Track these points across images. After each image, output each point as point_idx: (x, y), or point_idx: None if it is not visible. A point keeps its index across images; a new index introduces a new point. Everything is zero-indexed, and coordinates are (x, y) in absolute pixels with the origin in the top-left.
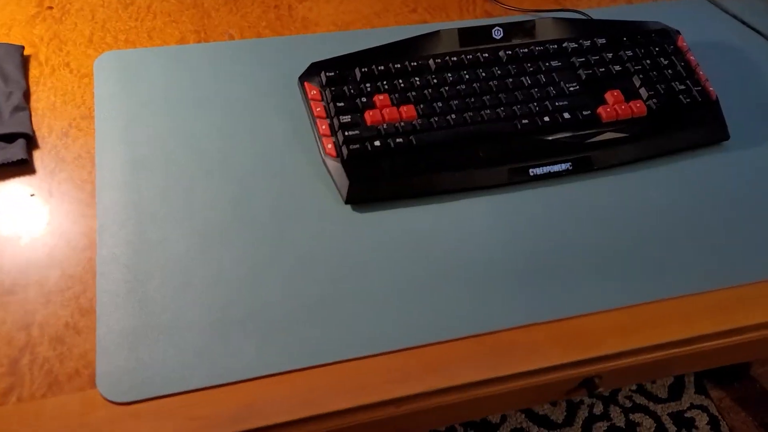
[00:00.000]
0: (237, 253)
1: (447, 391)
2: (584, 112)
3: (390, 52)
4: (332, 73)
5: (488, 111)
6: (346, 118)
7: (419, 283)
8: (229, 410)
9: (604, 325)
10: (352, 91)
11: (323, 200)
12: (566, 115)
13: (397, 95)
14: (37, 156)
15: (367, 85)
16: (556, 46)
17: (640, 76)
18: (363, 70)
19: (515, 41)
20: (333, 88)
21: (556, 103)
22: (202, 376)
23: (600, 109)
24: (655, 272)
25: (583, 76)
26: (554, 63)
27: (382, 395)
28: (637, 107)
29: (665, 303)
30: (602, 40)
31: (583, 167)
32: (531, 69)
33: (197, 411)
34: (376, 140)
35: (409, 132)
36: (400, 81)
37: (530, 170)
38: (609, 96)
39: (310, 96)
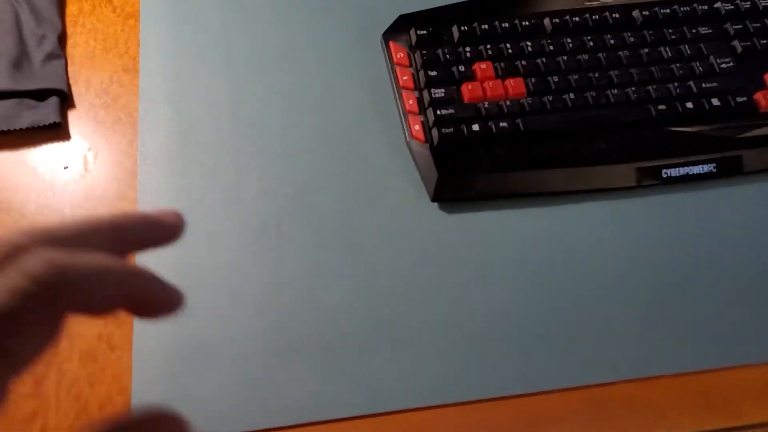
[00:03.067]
0: (297, 258)
1: None
2: (738, 99)
3: (496, 6)
4: (425, 31)
5: (615, 91)
6: (439, 92)
7: (516, 312)
8: None
9: (753, 385)
10: (447, 56)
11: (404, 196)
12: (714, 102)
13: (502, 64)
14: (72, 118)
15: (467, 48)
16: (706, 7)
17: None
18: (463, 28)
19: None
20: (424, 51)
21: (703, 85)
22: (252, 417)
23: (758, 95)
24: None
25: (739, 50)
26: (703, 30)
27: None
28: None
29: None
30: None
31: (731, 170)
32: (673, 37)
33: None
34: (474, 123)
35: (515, 114)
36: (508, 45)
37: (663, 171)
38: None
39: (395, 59)
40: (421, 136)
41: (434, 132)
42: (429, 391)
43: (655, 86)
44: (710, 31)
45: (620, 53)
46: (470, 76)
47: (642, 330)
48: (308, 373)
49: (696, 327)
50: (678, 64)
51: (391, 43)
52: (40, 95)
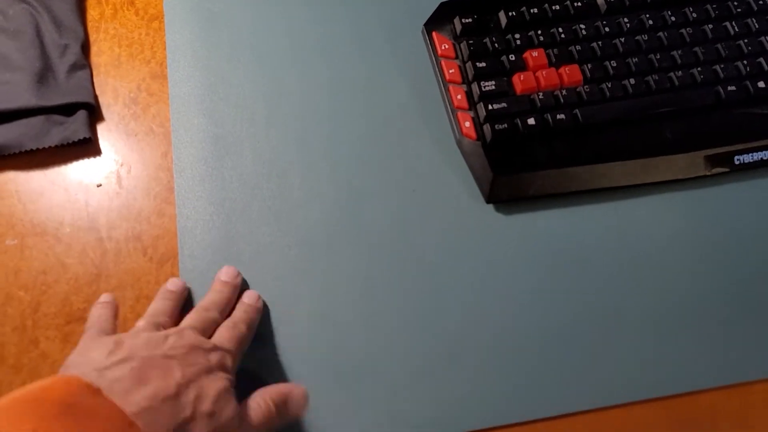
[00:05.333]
0: (347, 272)
1: None
2: None
3: None
4: (470, 19)
5: (679, 73)
6: (490, 85)
7: (586, 319)
8: None
9: None
10: (496, 44)
11: (457, 199)
12: None
13: (555, 50)
14: (102, 131)
15: (516, 35)
16: None
17: None
18: (510, 13)
19: None
20: (471, 41)
21: None
22: None
23: None
24: None
25: None
26: None
27: None
28: None
29: None
30: None
31: None
32: (739, 10)
33: None
34: (529, 116)
35: (573, 104)
36: (560, 29)
37: (736, 157)
38: None
39: (440, 51)
40: (473, 133)
41: (486, 128)
42: (492, 412)
43: (722, 65)
44: None
45: (683, 31)
46: (522, 66)
47: (723, 333)
48: (367, 399)
49: None
50: (746, 40)
51: (434, 34)
52: (68, 109)
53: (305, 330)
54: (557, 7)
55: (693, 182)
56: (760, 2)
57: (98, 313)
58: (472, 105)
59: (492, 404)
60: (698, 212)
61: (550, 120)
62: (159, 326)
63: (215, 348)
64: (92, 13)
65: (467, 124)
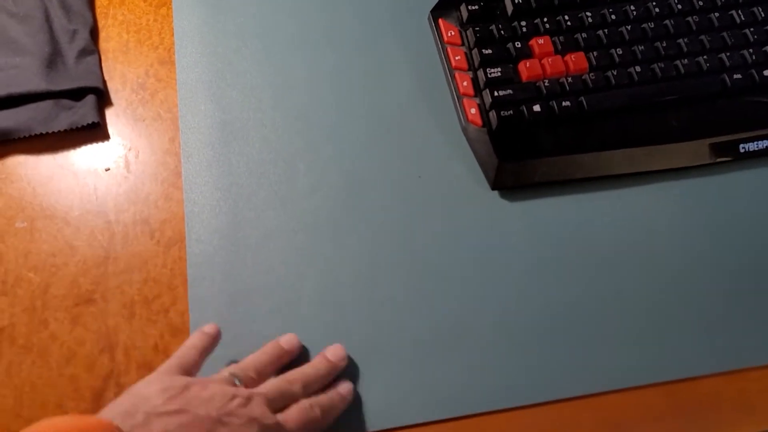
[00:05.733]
0: (352, 255)
1: None
2: None
3: None
4: (476, 6)
5: (685, 61)
6: (495, 72)
7: (590, 304)
8: None
9: None
10: (502, 32)
11: (462, 185)
12: None
13: (561, 38)
14: (110, 116)
15: (522, 23)
16: None
17: None
18: (517, 1)
19: None
20: (477, 28)
21: None
22: None
23: None
24: None
25: None
26: None
27: None
28: None
29: None
30: None
31: None
32: None
33: None
34: (534, 103)
35: (578, 91)
36: (566, 17)
37: (741, 145)
38: None
39: (446, 38)
40: (478, 120)
41: (492, 115)
42: (496, 394)
43: (728, 54)
44: None
45: (689, 19)
46: (528, 53)
47: (726, 319)
48: (371, 380)
49: None
50: (752, 29)
51: (440, 21)
52: (76, 94)
53: (310, 312)
54: None
55: (697, 170)
56: None
57: (191, 344)
58: (477, 92)
59: (493, 388)
60: (702, 200)
61: (556, 107)
62: (241, 380)
63: (277, 427)
64: (101, 0)
65: (473, 110)
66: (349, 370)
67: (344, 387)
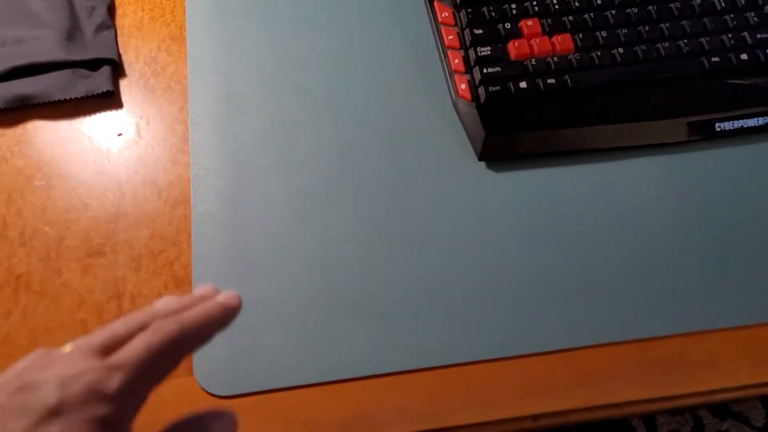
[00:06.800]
0: (346, 218)
1: (598, 408)
2: None
3: None
4: None
5: (666, 44)
6: (485, 50)
7: (569, 267)
8: (337, 416)
9: None
10: (493, 14)
11: (451, 156)
12: None
13: (549, 20)
14: (124, 86)
15: (513, 6)
16: None
17: None
18: None
19: None
20: (469, 10)
21: (758, 35)
22: (308, 372)
23: None
24: None
25: None
26: None
27: (517, 410)
28: None
29: None
30: None
31: None
32: None
33: (301, 413)
34: (521, 80)
35: (563, 70)
36: (554, 1)
37: (717, 124)
38: None
39: (440, 19)
40: (468, 94)
41: (481, 90)
42: (478, 346)
43: (708, 38)
44: None
45: (671, 5)
46: (517, 34)
47: (695, 284)
48: (359, 331)
49: (751, 281)
50: (731, 15)
51: (435, 3)
52: (93, 65)
53: (305, 268)
54: None
55: (675, 147)
56: None
57: (133, 315)
58: (468, 69)
59: (474, 341)
60: (678, 175)
61: (541, 84)
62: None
63: (107, 371)
64: None
65: (463, 86)
66: (340, 322)
67: (223, 295)
